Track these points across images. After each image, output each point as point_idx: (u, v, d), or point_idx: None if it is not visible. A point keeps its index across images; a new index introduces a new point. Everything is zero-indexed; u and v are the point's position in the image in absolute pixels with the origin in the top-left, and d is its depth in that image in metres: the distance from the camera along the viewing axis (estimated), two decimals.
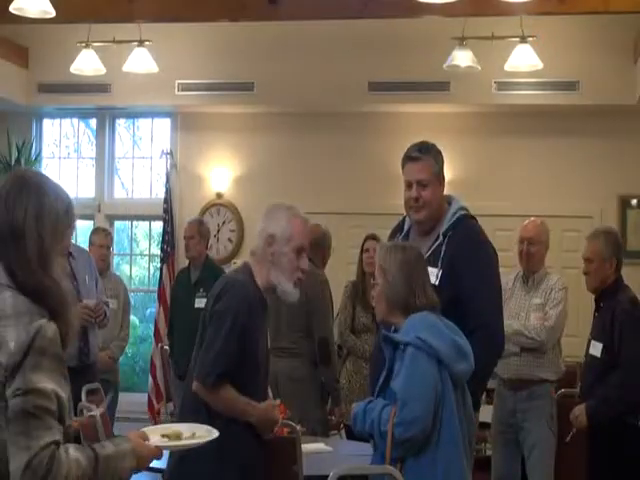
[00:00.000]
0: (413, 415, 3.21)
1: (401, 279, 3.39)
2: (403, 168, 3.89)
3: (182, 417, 3.53)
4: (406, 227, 3.94)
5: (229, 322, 3.38)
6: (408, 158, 3.86)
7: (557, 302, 5.33)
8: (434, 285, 3.57)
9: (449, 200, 3.89)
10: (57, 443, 2.12)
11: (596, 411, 4.63)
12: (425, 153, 3.84)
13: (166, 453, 3.66)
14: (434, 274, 3.64)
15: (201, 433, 2.61)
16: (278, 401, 3.69)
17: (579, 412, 4.70)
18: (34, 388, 2.11)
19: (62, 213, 2.33)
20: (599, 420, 4.62)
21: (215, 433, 2.60)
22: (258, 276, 3.50)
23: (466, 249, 3.68)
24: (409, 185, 3.83)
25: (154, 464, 4.43)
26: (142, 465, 2.33)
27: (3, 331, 2.16)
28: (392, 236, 3.99)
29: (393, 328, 3.47)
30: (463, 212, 3.85)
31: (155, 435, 2.48)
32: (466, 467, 3.34)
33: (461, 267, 3.63)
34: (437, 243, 3.76)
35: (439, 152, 3.88)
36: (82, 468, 2.15)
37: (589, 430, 4.68)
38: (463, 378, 3.36)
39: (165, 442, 2.49)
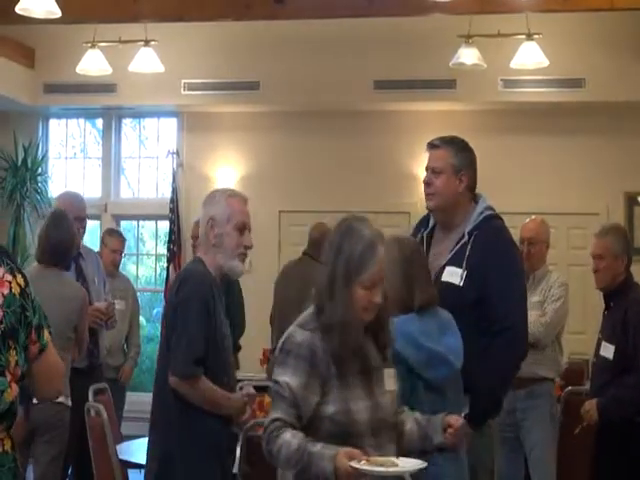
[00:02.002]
0: None
1: (399, 277, 3.29)
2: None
3: (154, 424, 3.52)
4: (431, 223, 3.88)
5: (195, 307, 3.40)
6: (429, 145, 3.84)
7: (555, 298, 5.28)
8: (457, 286, 3.55)
9: (476, 199, 3.82)
10: (281, 420, 2.66)
11: (607, 408, 4.53)
12: (446, 143, 3.80)
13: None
14: (458, 275, 3.59)
15: (409, 465, 2.64)
16: (251, 388, 3.68)
17: (590, 407, 4.60)
18: (274, 379, 2.74)
19: (359, 251, 2.75)
20: (609, 418, 4.53)
21: (421, 464, 2.63)
22: (209, 264, 3.54)
23: (492, 250, 3.62)
24: (426, 171, 3.82)
25: (139, 460, 4.46)
26: (338, 477, 2.54)
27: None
28: (416, 231, 3.92)
29: None
30: (490, 212, 3.78)
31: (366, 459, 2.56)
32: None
33: (487, 268, 3.57)
34: (462, 242, 3.69)
35: (465, 148, 3.81)
36: (290, 450, 2.61)
37: (596, 428, 4.62)
38: (440, 382, 3.27)
39: (361, 465, 2.50)
